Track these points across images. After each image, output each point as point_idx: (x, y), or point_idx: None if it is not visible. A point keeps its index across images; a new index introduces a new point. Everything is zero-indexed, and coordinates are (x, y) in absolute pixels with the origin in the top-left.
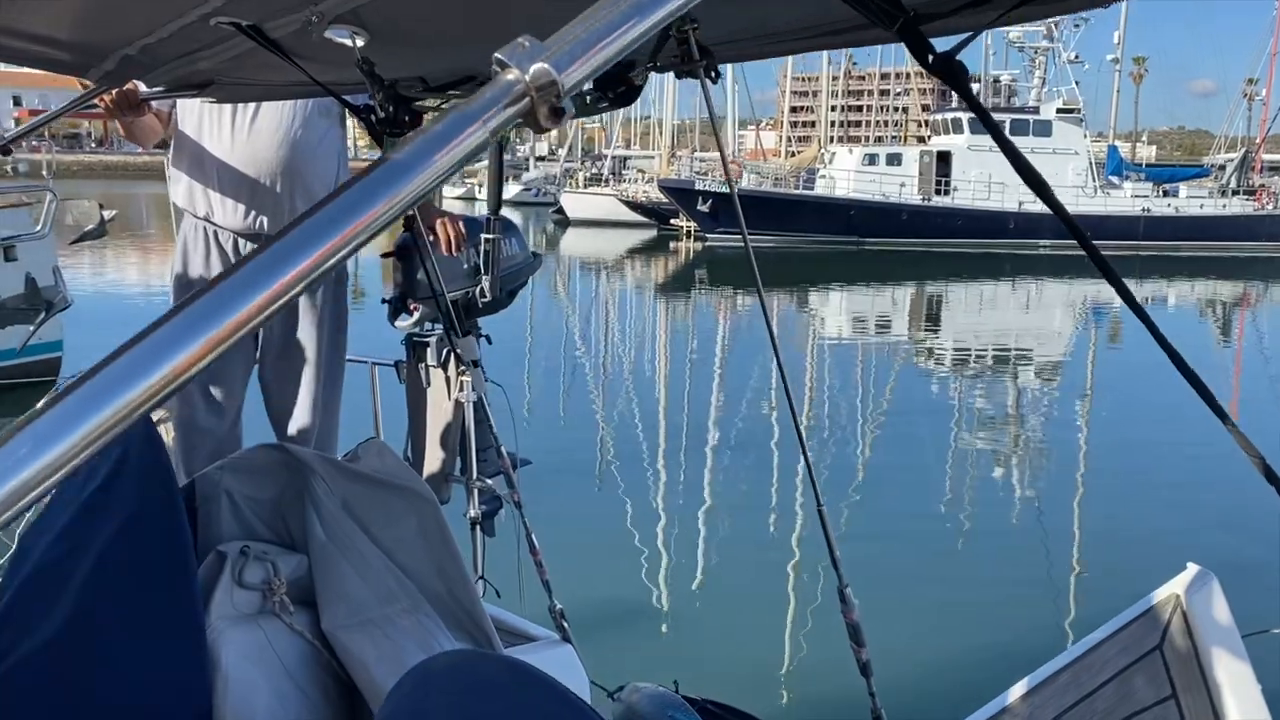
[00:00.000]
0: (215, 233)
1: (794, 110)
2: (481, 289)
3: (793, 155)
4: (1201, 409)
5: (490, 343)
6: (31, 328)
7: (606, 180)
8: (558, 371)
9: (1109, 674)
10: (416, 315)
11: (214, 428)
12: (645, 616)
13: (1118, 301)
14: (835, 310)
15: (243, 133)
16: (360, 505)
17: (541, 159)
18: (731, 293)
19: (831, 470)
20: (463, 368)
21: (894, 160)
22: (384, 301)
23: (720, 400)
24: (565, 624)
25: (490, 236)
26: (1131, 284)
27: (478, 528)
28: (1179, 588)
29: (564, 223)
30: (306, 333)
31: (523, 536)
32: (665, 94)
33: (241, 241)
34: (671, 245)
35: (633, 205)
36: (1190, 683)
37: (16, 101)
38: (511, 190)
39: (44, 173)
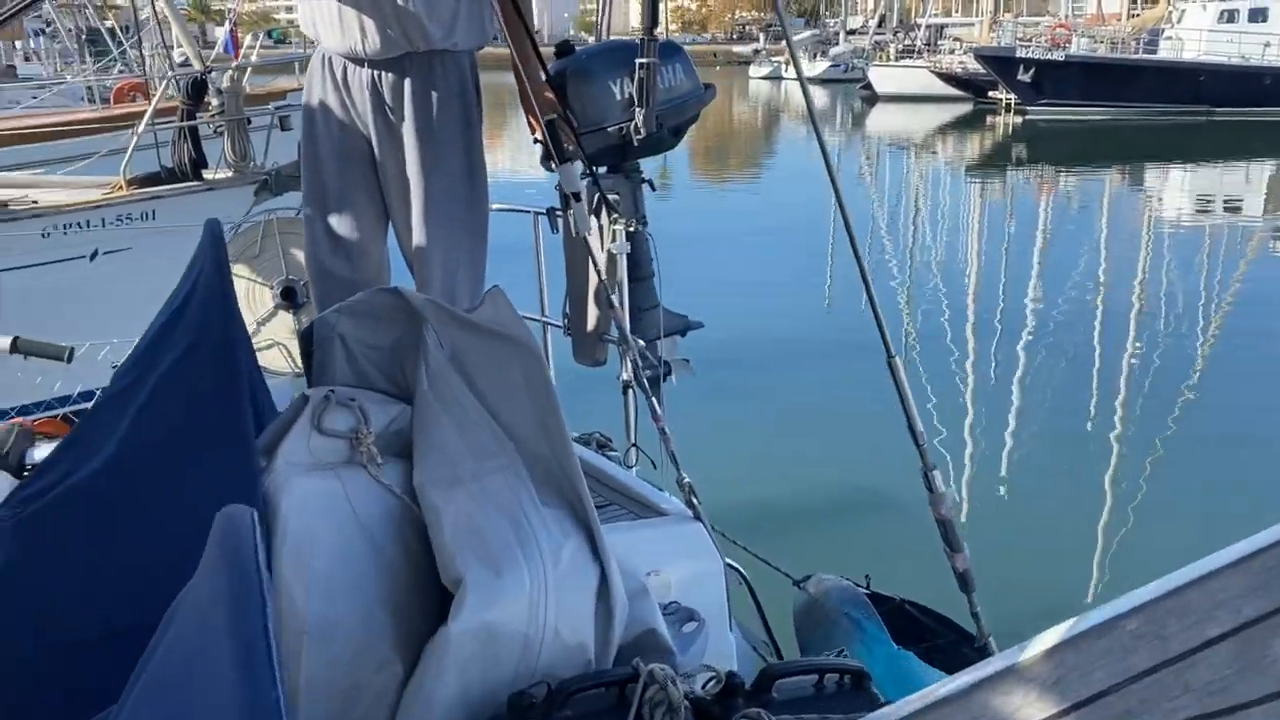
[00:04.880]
0: (329, 59)
1: None
2: (636, 124)
3: (1135, 17)
4: None
5: (653, 189)
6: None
7: (920, 52)
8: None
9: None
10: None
11: (346, 274)
12: (844, 510)
13: None
14: (1175, 189)
15: None
16: (468, 356)
17: (852, 33)
18: (1054, 171)
19: (1153, 368)
20: (615, 215)
21: (1258, 16)
22: (535, 142)
23: (1033, 289)
24: (695, 500)
25: (645, 62)
26: None
27: (630, 391)
28: None
29: (871, 99)
30: (430, 180)
31: (644, 402)
32: None
33: (350, 67)
34: (988, 120)
35: (946, 77)
36: None
37: None
38: (818, 67)
39: None
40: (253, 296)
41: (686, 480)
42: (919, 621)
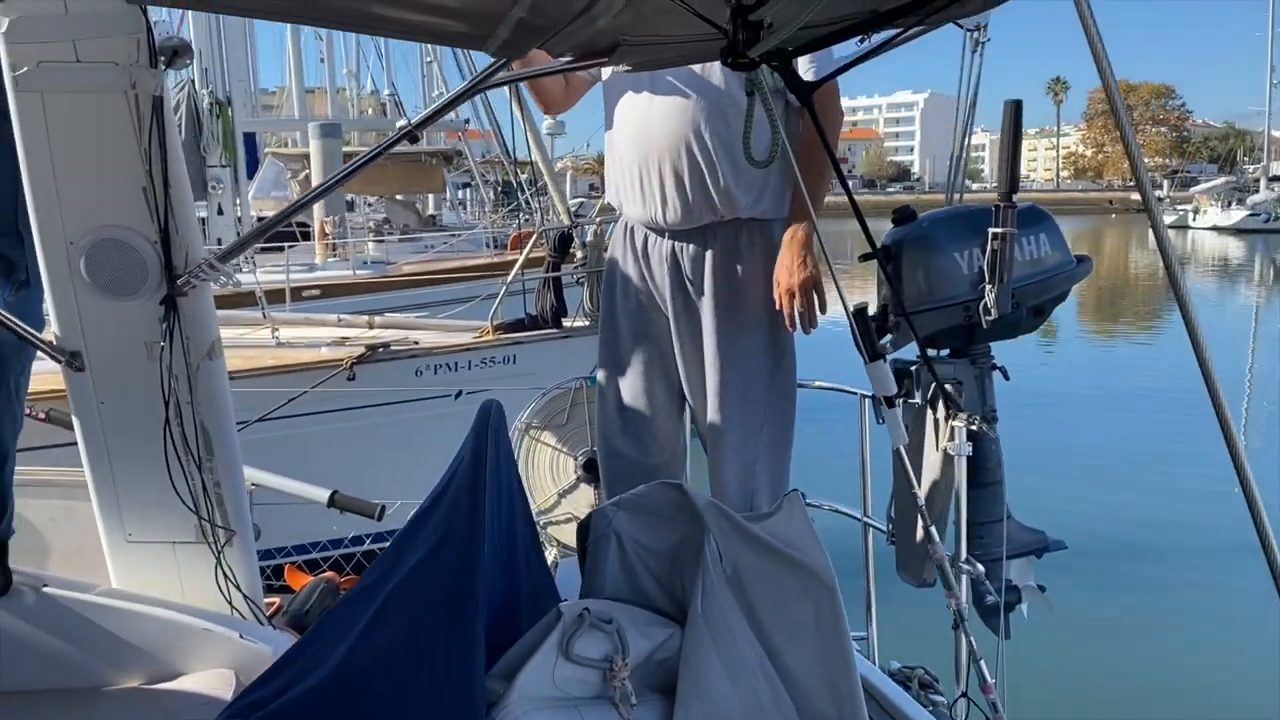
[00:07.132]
0: (631, 228)
1: None
2: (986, 304)
3: None
4: None
5: (1007, 378)
6: None
7: None
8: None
9: None
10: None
11: (636, 457)
12: None
13: None
14: None
15: (642, 102)
16: (751, 579)
17: (1275, 179)
18: None
19: None
20: (954, 409)
21: None
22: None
23: None
24: None
25: (999, 231)
26: None
27: (963, 627)
28: None
29: None
30: (726, 359)
31: (976, 655)
32: None
33: (651, 237)
34: None
35: None
36: None
37: None
38: (1234, 215)
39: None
40: (557, 466)
41: None
42: None
